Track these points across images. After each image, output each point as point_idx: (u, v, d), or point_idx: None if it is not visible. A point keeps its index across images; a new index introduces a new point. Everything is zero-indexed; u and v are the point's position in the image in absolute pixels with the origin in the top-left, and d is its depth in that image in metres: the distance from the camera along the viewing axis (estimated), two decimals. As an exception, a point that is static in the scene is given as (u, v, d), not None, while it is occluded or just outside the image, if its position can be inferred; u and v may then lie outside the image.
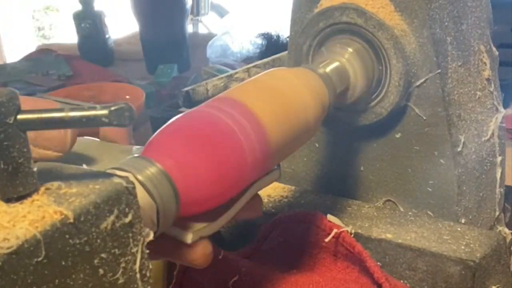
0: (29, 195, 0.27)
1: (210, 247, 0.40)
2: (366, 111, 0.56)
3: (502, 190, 0.63)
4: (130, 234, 0.30)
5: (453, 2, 0.55)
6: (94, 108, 0.27)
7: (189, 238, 0.38)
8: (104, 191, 0.28)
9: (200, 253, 0.39)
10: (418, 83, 0.54)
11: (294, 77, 0.48)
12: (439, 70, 0.53)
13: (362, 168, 0.61)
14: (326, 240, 0.51)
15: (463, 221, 0.57)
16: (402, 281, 0.51)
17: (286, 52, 0.62)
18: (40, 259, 0.25)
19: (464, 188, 0.57)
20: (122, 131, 0.85)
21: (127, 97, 1.21)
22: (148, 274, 0.31)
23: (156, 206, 0.34)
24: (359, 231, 0.53)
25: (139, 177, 0.34)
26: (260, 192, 0.58)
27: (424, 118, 0.55)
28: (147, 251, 0.31)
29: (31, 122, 0.27)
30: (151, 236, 0.31)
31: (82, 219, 0.27)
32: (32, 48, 1.74)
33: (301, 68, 0.50)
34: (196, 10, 2.12)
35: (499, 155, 0.62)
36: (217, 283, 0.51)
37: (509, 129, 0.86)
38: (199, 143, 0.38)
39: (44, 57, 1.51)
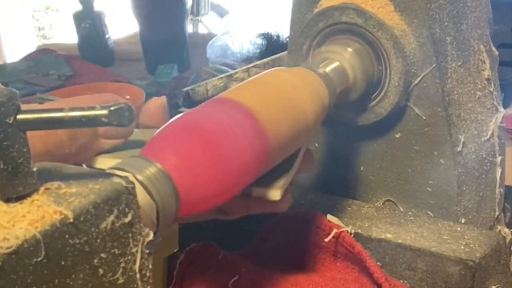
0: (28, 195, 0.27)
1: (291, 196, 0.46)
2: (366, 111, 0.56)
3: (502, 190, 0.63)
4: (130, 234, 0.29)
5: (453, 2, 0.55)
6: (93, 108, 0.27)
7: (277, 195, 0.42)
8: (104, 191, 0.28)
9: (287, 203, 0.46)
10: (416, 81, 0.54)
11: (294, 77, 0.48)
12: (434, 65, 0.53)
13: (362, 168, 0.60)
14: (326, 240, 0.51)
15: (463, 221, 0.57)
16: (401, 281, 0.51)
17: (286, 52, 0.62)
18: (40, 259, 0.25)
19: (464, 188, 0.57)
20: (161, 116, 0.88)
21: (127, 97, 1.20)
22: (148, 274, 0.31)
23: (156, 206, 0.34)
24: (359, 231, 0.53)
25: (139, 177, 0.34)
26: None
27: (424, 118, 0.55)
28: (147, 250, 0.31)
29: (31, 122, 0.27)
30: (150, 236, 0.31)
31: (81, 219, 0.27)
32: (32, 48, 1.74)
33: (301, 68, 0.50)
34: (196, 10, 2.11)
35: (499, 155, 0.62)
36: (217, 283, 0.51)
37: (509, 129, 0.86)
38: (199, 143, 0.38)
39: (44, 57, 1.51)
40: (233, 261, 0.51)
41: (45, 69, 1.41)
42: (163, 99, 0.94)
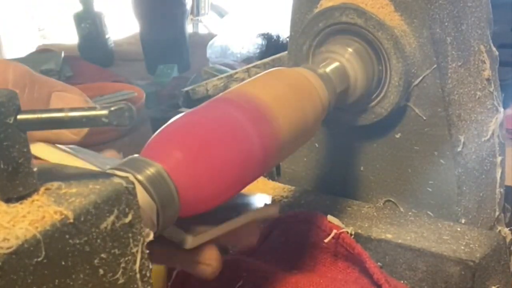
0: (29, 195, 0.27)
1: (220, 260, 0.38)
2: (366, 111, 0.56)
3: (502, 190, 0.63)
4: (130, 234, 0.29)
5: (453, 2, 0.55)
6: (94, 108, 0.27)
7: (189, 242, 0.37)
8: (104, 191, 0.28)
9: (216, 268, 0.38)
10: (417, 81, 0.54)
11: (293, 77, 0.48)
12: (435, 66, 0.53)
13: (362, 168, 0.60)
14: (326, 240, 0.51)
15: (463, 221, 0.57)
16: (402, 281, 0.51)
17: (286, 52, 0.62)
18: (40, 259, 0.25)
19: (464, 188, 0.57)
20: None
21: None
22: (148, 274, 0.31)
23: (156, 206, 0.34)
24: (359, 231, 0.53)
25: (139, 177, 0.34)
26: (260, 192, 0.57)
27: (424, 118, 0.55)
28: (147, 251, 0.31)
29: (31, 122, 0.27)
30: (151, 236, 0.31)
31: (82, 219, 0.27)
32: (32, 48, 1.74)
33: (301, 68, 0.50)
34: (196, 10, 2.12)
35: (499, 155, 0.62)
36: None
37: (509, 129, 0.86)
38: (199, 143, 0.38)
39: (44, 54, 1.52)
40: (234, 265, 0.50)
41: (43, 64, 1.40)
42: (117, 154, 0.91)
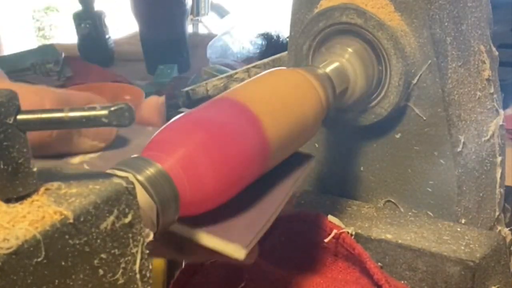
0: (29, 195, 0.27)
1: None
2: (366, 111, 0.56)
3: (502, 190, 0.63)
4: (130, 235, 0.29)
5: (453, 2, 0.55)
6: (94, 109, 0.27)
7: (242, 254, 0.38)
8: (104, 192, 0.28)
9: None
10: (415, 80, 0.54)
11: (293, 77, 0.48)
12: (430, 62, 0.53)
13: (362, 168, 0.60)
14: (326, 240, 0.51)
15: (463, 221, 0.57)
16: (402, 281, 0.51)
17: (286, 52, 0.62)
18: (40, 259, 0.25)
19: (464, 188, 0.57)
20: (156, 114, 0.87)
21: (127, 97, 1.20)
22: (148, 275, 0.31)
23: (156, 206, 0.34)
24: (359, 231, 0.53)
25: (139, 177, 0.34)
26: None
27: (424, 118, 0.55)
28: (147, 251, 0.31)
29: (31, 122, 0.27)
30: (151, 237, 0.31)
31: (81, 219, 0.27)
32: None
33: (301, 69, 0.50)
34: (196, 11, 2.11)
35: (499, 156, 0.62)
36: None
37: (509, 129, 0.86)
38: (199, 143, 0.38)
39: (43, 48, 1.52)
40: (236, 266, 0.50)
41: (44, 57, 1.40)
42: (161, 98, 0.95)
